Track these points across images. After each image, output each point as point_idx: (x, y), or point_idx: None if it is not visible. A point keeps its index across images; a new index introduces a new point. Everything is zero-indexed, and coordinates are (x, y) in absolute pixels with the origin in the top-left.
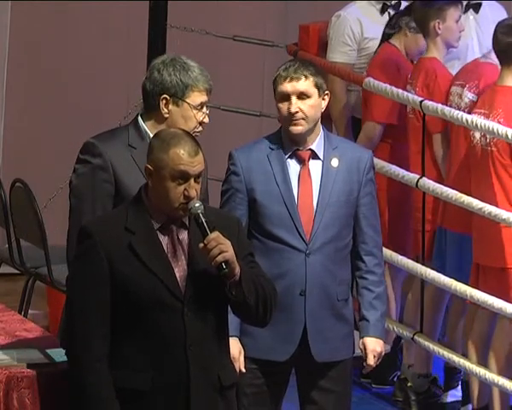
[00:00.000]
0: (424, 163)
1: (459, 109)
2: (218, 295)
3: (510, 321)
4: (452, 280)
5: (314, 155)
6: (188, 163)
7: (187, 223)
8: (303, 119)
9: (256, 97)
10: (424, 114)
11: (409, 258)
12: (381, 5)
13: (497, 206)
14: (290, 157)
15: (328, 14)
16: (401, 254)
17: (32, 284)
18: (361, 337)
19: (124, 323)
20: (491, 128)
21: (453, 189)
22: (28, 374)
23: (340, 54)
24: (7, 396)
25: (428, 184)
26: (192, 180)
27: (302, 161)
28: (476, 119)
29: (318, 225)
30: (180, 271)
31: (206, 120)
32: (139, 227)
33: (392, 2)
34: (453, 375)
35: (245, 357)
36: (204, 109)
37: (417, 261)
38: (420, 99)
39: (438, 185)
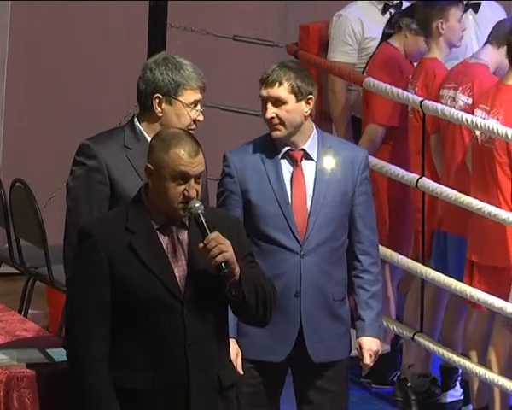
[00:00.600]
0: (424, 163)
1: None
2: (218, 295)
3: (508, 321)
4: (452, 280)
5: (307, 156)
6: (188, 163)
7: (187, 223)
8: (280, 124)
9: (256, 97)
10: (424, 114)
11: (409, 258)
12: (382, 5)
13: (491, 203)
14: (283, 157)
15: (329, 14)
16: (401, 254)
17: (32, 284)
18: (357, 337)
19: (124, 323)
20: (490, 128)
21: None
22: (28, 374)
23: (340, 53)
24: (7, 396)
25: (428, 183)
26: (192, 180)
27: (295, 162)
28: (476, 119)
29: (313, 226)
30: (180, 271)
31: (201, 117)
32: (139, 227)
33: (394, 2)
34: (451, 375)
35: (242, 358)
36: (198, 107)
37: (417, 261)
38: (420, 99)
39: (437, 185)
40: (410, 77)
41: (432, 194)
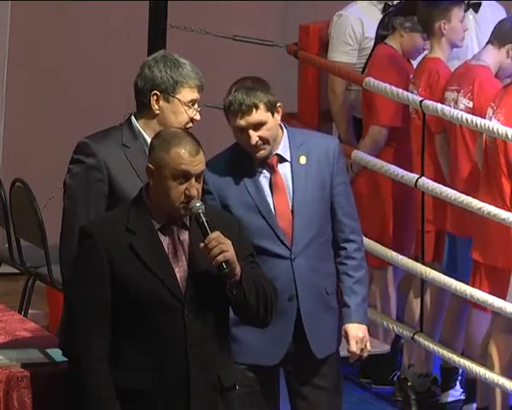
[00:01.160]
0: (424, 163)
1: None
2: (219, 295)
3: (508, 321)
4: (452, 280)
5: (281, 159)
6: (189, 162)
7: (188, 223)
8: (264, 144)
9: None
10: (424, 114)
11: (409, 258)
12: (382, 5)
13: (496, 203)
14: (259, 166)
15: (329, 14)
16: (402, 254)
17: (31, 284)
18: (343, 324)
19: (124, 323)
20: (490, 128)
21: (463, 194)
22: (28, 374)
23: (341, 53)
24: (7, 396)
25: (427, 183)
26: (193, 180)
27: (271, 168)
28: (476, 118)
29: (298, 229)
30: (181, 271)
31: (198, 117)
32: (140, 227)
33: (394, 2)
34: (451, 375)
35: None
36: (195, 106)
37: (417, 261)
38: (420, 99)
39: (437, 185)
40: (411, 77)
41: (431, 194)
